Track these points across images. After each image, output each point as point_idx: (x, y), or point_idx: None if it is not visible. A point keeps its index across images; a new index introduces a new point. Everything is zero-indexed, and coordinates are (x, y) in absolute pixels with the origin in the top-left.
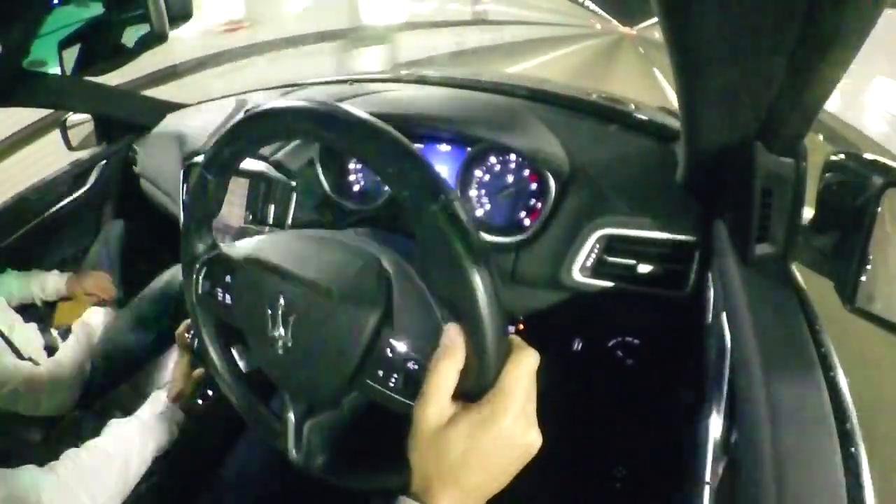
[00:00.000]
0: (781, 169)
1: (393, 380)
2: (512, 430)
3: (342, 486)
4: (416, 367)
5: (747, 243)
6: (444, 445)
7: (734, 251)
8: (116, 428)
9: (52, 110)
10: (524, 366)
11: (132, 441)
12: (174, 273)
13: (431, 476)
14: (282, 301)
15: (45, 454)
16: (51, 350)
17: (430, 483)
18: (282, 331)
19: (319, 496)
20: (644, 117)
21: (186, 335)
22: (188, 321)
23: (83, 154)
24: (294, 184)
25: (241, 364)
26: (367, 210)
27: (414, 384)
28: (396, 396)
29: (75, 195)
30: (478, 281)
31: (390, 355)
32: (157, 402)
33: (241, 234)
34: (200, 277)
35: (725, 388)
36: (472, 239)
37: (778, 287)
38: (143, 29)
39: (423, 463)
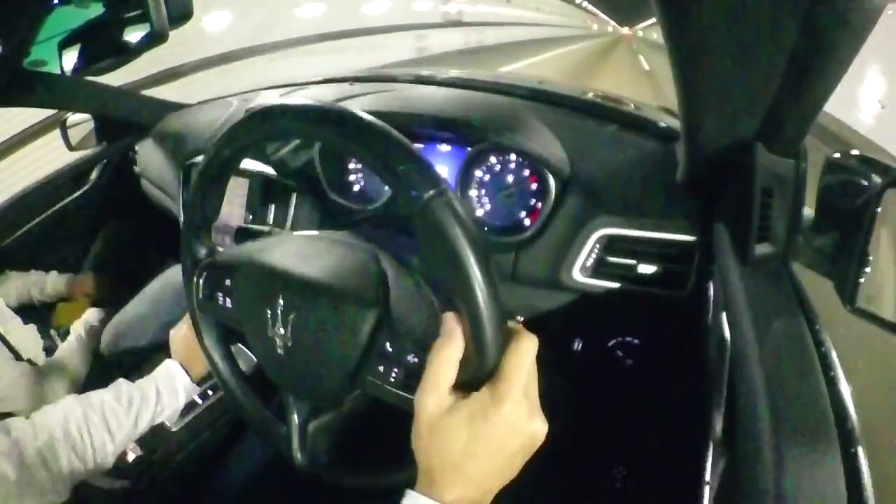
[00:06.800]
0: (781, 169)
1: (394, 374)
2: (514, 416)
3: (348, 486)
4: (416, 360)
5: (747, 243)
6: (446, 435)
7: (734, 251)
8: (127, 386)
9: (52, 110)
10: (524, 352)
11: (146, 401)
12: (174, 273)
13: (436, 468)
14: (281, 300)
15: None
16: (50, 351)
17: (436, 475)
18: (282, 330)
19: (321, 496)
20: (644, 117)
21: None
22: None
23: (83, 154)
24: (294, 184)
25: (242, 367)
26: (367, 210)
27: (415, 377)
28: (397, 391)
29: (75, 195)
30: (474, 268)
31: (390, 350)
32: (168, 368)
33: (240, 234)
34: (200, 282)
35: (725, 388)
36: (466, 227)
37: (778, 287)
38: (144, 29)
39: (426, 455)
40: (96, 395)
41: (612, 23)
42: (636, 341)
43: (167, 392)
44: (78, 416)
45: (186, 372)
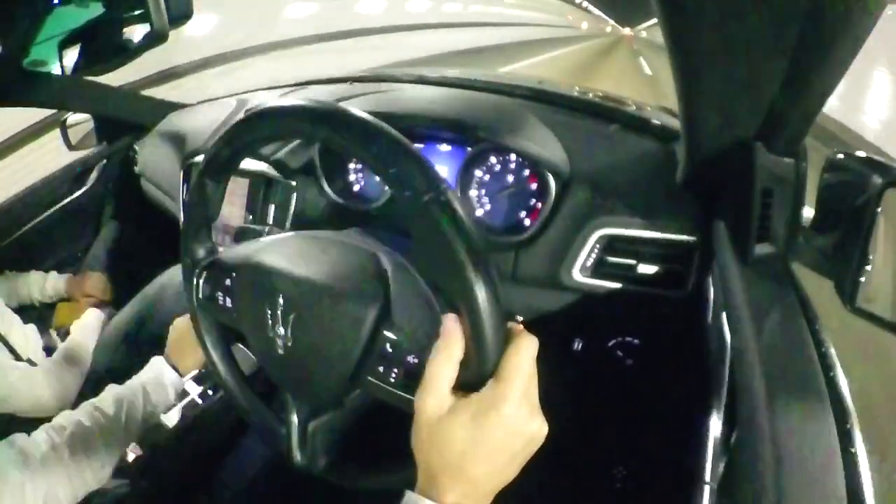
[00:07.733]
0: (781, 169)
1: (393, 375)
2: (514, 417)
3: (347, 486)
4: (415, 360)
5: (747, 243)
6: (447, 436)
7: (734, 251)
8: (114, 390)
9: (51, 110)
10: (524, 352)
11: (134, 403)
12: (174, 273)
13: (436, 469)
14: (281, 300)
15: None
16: (49, 351)
17: (436, 476)
18: (282, 330)
19: (321, 496)
20: (644, 117)
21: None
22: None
23: (83, 154)
24: (294, 184)
25: (243, 367)
26: (367, 210)
27: (414, 378)
28: (397, 391)
29: (75, 195)
30: (473, 269)
31: (390, 350)
32: (155, 366)
33: (241, 234)
34: (200, 282)
35: (725, 388)
36: (465, 228)
37: (778, 287)
38: (144, 29)
39: (427, 456)
40: (84, 409)
41: (612, 22)
42: (636, 341)
43: (155, 390)
44: (68, 433)
45: (174, 368)
